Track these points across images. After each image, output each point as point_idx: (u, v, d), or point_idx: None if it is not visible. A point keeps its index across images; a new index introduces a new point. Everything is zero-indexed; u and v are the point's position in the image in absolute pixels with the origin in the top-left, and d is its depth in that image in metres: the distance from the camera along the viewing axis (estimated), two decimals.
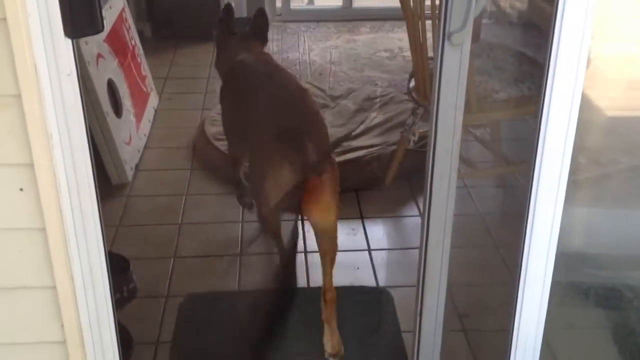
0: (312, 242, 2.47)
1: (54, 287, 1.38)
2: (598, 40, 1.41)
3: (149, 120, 3.21)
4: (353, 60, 4.05)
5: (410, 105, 2.79)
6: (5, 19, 1.18)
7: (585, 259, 1.88)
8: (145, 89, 3.26)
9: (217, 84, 2.88)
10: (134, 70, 3.15)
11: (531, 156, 1.41)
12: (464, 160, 2.59)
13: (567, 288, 1.83)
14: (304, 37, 4.41)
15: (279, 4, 4.69)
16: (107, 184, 2.73)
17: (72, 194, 1.34)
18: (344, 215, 2.62)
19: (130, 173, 2.80)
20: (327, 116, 3.26)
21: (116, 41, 2.97)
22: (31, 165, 1.28)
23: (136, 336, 1.97)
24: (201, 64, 3.80)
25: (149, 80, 3.36)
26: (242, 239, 2.50)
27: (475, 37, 2.61)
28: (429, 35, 2.34)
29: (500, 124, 2.66)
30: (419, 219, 2.52)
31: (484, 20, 3.07)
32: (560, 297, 1.66)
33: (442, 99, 1.43)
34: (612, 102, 1.78)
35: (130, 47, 3.19)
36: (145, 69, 3.33)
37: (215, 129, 3.06)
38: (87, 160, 1.34)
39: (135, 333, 1.97)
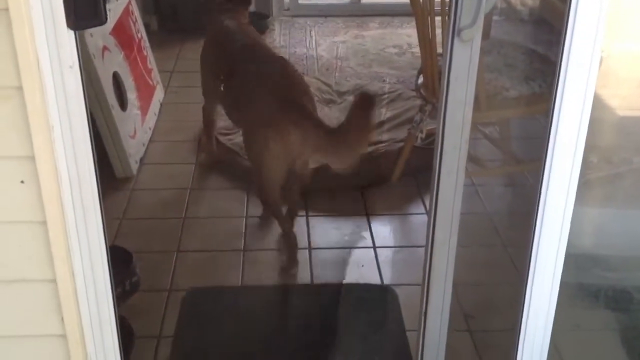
0: (316, 239, 2.47)
1: (54, 281, 1.36)
2: (611, 38, 1.38)
3: (155, 114, 3.19)
4: (361, 56, 4.02)
5: (418, 102, 2.76)
6: (7, 9, 1.17)
7: (595, 260, 1.86)
8: (151, 82, 3.24)
9: None
10: (140, 64, 3.13)
11: (541, 155, 1.39)
12: (472, 158, 2.56)
13: (575, 289, 1.81)
14: (311, 32, 4.38)
15: None
16: (112, 177, 2.72)
17: (74, 187, 1.33)
18: (349, 212, 2.62)
19: (135, 166, 2.79)
20: (333, 111, 3.24)
21: (122, 34, 2.96)
22: (32, 158, 1.27)
23: (138, 330, 1.96)
24: None
25: (155, 73, 3.34)
26: (246, 234, 2.48)
27: (486, 34, 2.59)
28: (438, 31, 2.32)
29: (510, 121, 2.63)
30: (425, 217, 2.50)
31: (495, 17, 3.04)
32: (568, 298, 1.64)
33: (451, 96, 1.41)
34: (624, 101, 1.76)
35: (137, 40, 3.17)
36: (151, 62, 3.32)
37: (220, 123, 3.04)
38: (89, 153, 1.32)
39: (137, 327, 1.96)
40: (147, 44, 3.34)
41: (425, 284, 1.63)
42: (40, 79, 1.22)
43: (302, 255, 2.39)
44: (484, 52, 2.53)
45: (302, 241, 2.46)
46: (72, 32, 1.24)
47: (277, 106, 2.05)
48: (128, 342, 1.85)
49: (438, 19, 2.30)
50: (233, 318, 2.10)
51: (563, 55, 1.29)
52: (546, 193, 1.41)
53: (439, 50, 1.97)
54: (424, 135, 2.60)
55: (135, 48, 3.12)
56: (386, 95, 3.35)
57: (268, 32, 4.27)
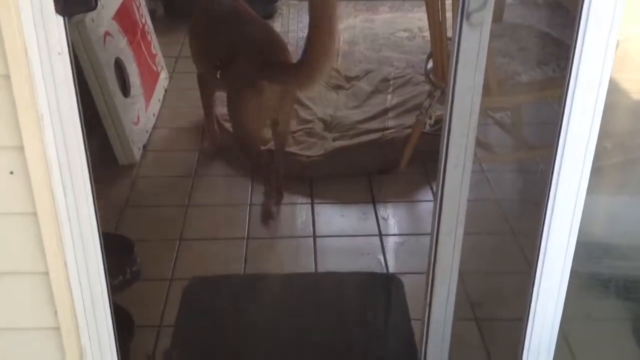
0: (321, 227, 2.42)
1: (47, 273, 1.34)
2: (628, 20, 1.33)
3: (159, 100, 3.15)
4: (370, 40, 3.94)
5: (428, 87, 2.70)
6: None
7: (607, 248, 1.81)
8: (155, 68, 3.20)
9: None
10: (144, 49, 3.08)
11: (553, 141, 1.35)
12: (482, 144, 2.51)
13: (586, 278, 1.78)
14: None
15: None
16: (115, 164, 2.69)
17: (64, 177, 1.30)
18: (355, 199, 2.58)
19: (138, 153, 2.75)
20: (341, 97, 3.18)
21: (125, 19, 2.91)
22: (21, 148, 1.24)
23: (138, 319, 1.93)
24: None
25: (160, 59, 3.30)
26: (249, 222, 2.44)
27: (498, 17, 2.52)
28: (449, 15, 2.25)
29: (521, 107, 2.57)
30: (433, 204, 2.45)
31: (508, 0, 2.96)
32: (578, 286, 1.60)
33: (459, 82, 1.37)
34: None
35: (140, 25, 3.13)
36: (155, 48, 3.27)
37: (225, 109, 3.00)
38: (80, 143, 1.29)
39: (138, 316, 1.94)
40: (152, 29, 3.29)
41: (430, 274, 1.61)
42: (29, 67, 1.19)
43: (307, 243, 2.35)
44: (495, 35, 2.47)
45: (306, 229, 2.42)
46: (60, 18, 1.20)
47: (252, 60, 2.19)
48: (127, 331, 1.82)
49: (449, 1, 2.24)
50: (235, 308, 2.07)
51: (578, 39, 1.25)
52: (557, 180, 1.37)
53: (450, 34, 1.91)
54: (432, 122, 2.55)
55: (139, 33, 3.07)
56: (395, 81, 3.28)
57: (276, 17, 4.21)
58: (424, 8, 2.50)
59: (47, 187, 1.27)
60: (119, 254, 2.12)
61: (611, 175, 1.73)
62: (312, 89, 2.45)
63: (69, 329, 1.39)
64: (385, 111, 3.03)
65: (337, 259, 2.29)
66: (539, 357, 1.59)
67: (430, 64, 2.55)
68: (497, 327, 2.01)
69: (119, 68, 2.75)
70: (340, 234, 2.42)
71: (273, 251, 2.34)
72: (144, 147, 2.84)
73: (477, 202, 2.49)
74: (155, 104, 3.08)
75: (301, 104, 3.07)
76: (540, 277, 1.47)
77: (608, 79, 1.28)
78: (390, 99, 3.12)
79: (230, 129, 2.85)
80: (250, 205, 2.54)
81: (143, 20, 3.18)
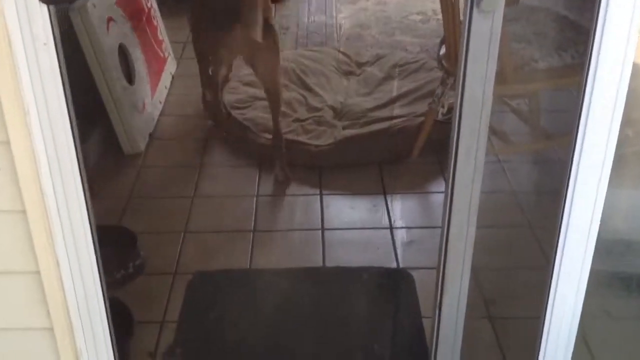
0: (329, 219, 2.36)
1: (38, 272, 1.29)
2: None
3: (166, 87, 3.08)
4: (383, 23, 3.84)
5: (441, 74, 2.60)
6: None
7: (629, 244, 1.73)
8: (161, 54, 3.13)
9: None
10: (150, 35, 3.01)
11: (573, 129, 1.28)
12: (497, 133, 2.43)
13: (606, 275, 1.70)
14: None
15: None
16: (120, 154, 2.64)
17: (54, 171, 1.24)
18: (365, 190, 2.51)
19: (143, 142, 2.70)
20: (351, 84, 3.09)
21: (130, 4, 2.84)
22: (7, 143, 1.19)
23: (140, 315, 1.89)
24: None
25: (167, 44, 3.23)
26: (256, 214, 2.38)
27: (513, 0, 2.41)
28: None
29: (539, 94, 2.47)
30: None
31: None
32: (597, 284, 1.53)
33: (470, 72, 1.29)
34: None
35: (146, 10, 3.05)
36: (162, 33, 3.20)
37: (234, 97, 2.93)
38: (69, 136, 1.23)
39: (140, 312, 1.89)
40: (158, 14, 3.22)
41: (440, 268, 1.54)
42: (12, 59, 1.14)
43: (315, 236, 2.28)
44: (510, 19, 2.37)
45: (315, 221, 2.35)
46: (44, 7, 1.15)
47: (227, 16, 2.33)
48: (126, 329, 1.77)
49: None
50: (240, 303, 2.01)
51: (598, 22, 1.19)
52: (577, 170, 1.30)
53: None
54: (445, 110, 2.47)
55: (144, 19, 3.00)
56: (408, 66, 3.19)
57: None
58: None
59: (35, 183, 1.22)
60: (122, 247, 2.07)
61: (633, 165, 1.65)
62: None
63: (62, 329, 1.34)
64: (397, 98, 2.94)
65: (345, 252, 2.22)
66: (556, 357, 1.53)
67: (443, 50, 2.46)
68: (512, 326, 1.94)
69: (124, 54, 2.68)
70: (350, 227, 2.35)
71: (280, 244, 2.28)
72: (150, 135, 2.78)
73: (492, 193, 2.41)
74: (161, 91, 3.02)
75: (310, 90, 3.00)
76: (559, 273, 1.41)
77: (631, 64, 1.21)
78: (403, 86, 3.02)
79: (239, 117, 2.80)
80: (257, 196, 2.48)
81: (149, 5, 3.11)
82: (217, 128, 2.82)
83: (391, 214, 2.39)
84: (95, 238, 1.35)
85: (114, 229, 2.15)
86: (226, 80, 3.00)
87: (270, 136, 2.65)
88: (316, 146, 2.65)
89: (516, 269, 2.12)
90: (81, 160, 1.28)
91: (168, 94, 3.08)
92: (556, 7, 2.63)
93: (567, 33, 2.35)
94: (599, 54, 1.20)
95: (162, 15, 3.28)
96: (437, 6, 3.84)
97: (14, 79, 1.15)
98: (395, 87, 3.02)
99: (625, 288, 1.77)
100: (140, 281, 2.05)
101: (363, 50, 3.44)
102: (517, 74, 2.19)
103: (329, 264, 2.17)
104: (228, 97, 2.92)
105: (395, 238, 2.28)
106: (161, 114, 2.93)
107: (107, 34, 2.54)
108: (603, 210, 1.36)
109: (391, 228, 2.33)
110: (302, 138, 2.67)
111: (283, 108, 2.84)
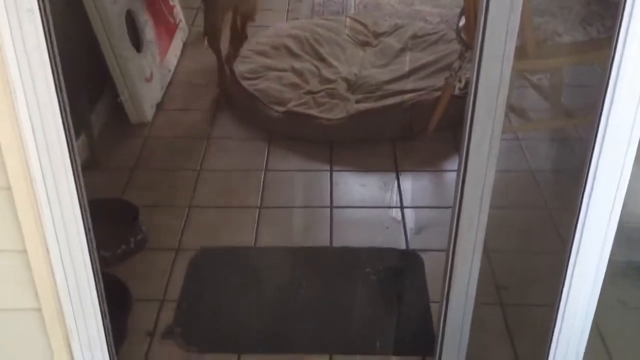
0: (339, 197, 2.29)
1: (25, 251, 1.23)
2: None
3: (176, 56, 3.00)
4: None
5: (459, 47, 2.49)
6: None
7: None
8: (172, 21, 3.04)
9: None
10: (160, 0, 2.92)
11: (597, 106, 1.20)
12: (516, 110, 2.32)
13: (622, 263, 1.63)
14: None
15: None
16: (126, 123, 2.58)
17: (41, 148, 1.19)
18: (377, 166, 2.42)
19: (150, 112, 2.63)
20: (367, 55, 2.98)
21: None
22: None
23: (140, 292, 1.85)
24: None
25: (178, 11, 3.14)
26: (263, 189, 2.31)
27: None
28: None
29: (562, 70, 2.35)
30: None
31: None
32: (613, 272, 1.45)
33: (487, 49, 1.22)
34: None
35: None
36: None
37: (245, 66, 2.85)
38: (56, 112, 1.17)
39: (140, 289, 1.85)
40: None
41: (450, 251, 1.47)
42: None
43: (323, 214, 2.22)
44: None
45: (324, 199, 2.28)
46: None
47: None
48: (125, 307, 1.73)
49: None
50: (243, 282, 1.96)
51: None
52: (600, 149, 1.22)
53: None
54: (462, 84, 2.36)
55: None
56: (427, 37, 3.06)
57: None
58: None
59: (22, 160, 1.17)
60: (123, 221, 2.02)
61: None
62: None
63: (51, 309, 1.30)
64: (414, 71, 2.82)
65: (354, 232, 2.16)
66: (569, 346, 1.47)
67: (462, 21, 2.35)
68: (524, 313, 1.88)
69: (131, 21, 2.60)
70: (359, 205, 2.28)
71: (286, 221, 2.22)
72: (158, 105, 2.72)
73: (508, 172, 2.32)
74: (171, 59, 2.94)
75: (324, 61, 2.89)
76: (576, 258, 1.34)
77: None
78: (421, 58, 2.91)
79: (249, 88, 2.72)
80: (265, 171, 2.41)
81: None
82: (221, 95, 2.75)
83: (402, 192, 2.31)
84: (87, 215, 1.30)
85: (115, 202, 2.10)
86: (238, 44, 2.94)
87: (281, 108, 2.57)
88: (328, 120, 2.56)
89: (531, 253, 2.04)
90: (72, 132, 1.22)
91: (178, 63, 3.00)
92: None
93: (594, 6, 2.24)
94: (628, 27, 1.11)
95: None
96: None
97: None
98: (413, 59, 2.90)
99: None
100: (141, 257, 2.01)
101: (381, 19, 3.31)
102: (540, 48, 2.10)
103: (336, 243, 2.11)
104: (240, 67, 2.84)
105: (405, 218, 2.21)
106: (170, 83, 2.86)
107: None
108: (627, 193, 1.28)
109: (402, 207, 2.25)
110: (314, 111, 2.59)
111: (295, 80, 2.77)
